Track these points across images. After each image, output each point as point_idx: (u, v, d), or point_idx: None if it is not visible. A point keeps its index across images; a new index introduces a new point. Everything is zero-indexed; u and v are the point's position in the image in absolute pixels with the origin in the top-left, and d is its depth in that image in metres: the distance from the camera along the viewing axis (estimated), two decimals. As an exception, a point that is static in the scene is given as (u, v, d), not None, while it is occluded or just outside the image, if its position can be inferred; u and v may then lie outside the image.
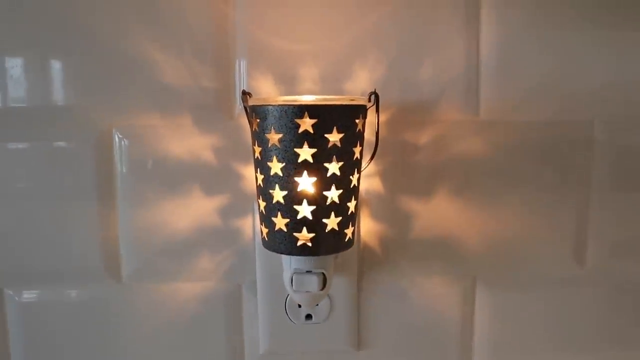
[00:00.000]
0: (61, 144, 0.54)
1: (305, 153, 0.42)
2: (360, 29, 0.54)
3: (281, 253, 0.45)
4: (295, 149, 0.42)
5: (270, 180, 0.44)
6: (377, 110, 0.48)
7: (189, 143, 0.54)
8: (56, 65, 0.53)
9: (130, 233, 0.56)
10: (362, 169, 0.49)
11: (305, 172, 0.43)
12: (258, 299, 0.57)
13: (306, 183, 0.43)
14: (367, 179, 0.56)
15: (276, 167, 0.43)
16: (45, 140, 0.54)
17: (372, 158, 0.50)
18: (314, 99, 0.44)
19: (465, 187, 0.57)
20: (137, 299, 0.57)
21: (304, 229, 0.44)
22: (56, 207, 0.55)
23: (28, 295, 0.57)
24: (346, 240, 0.46)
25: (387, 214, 0.57)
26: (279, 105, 0.42)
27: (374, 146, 0.50)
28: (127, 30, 0.53)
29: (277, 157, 0.43)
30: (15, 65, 0.53)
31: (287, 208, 0.44)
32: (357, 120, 0.44)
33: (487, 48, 0.55)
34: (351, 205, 0.46)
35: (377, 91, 0.48)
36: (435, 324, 0.59)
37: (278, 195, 0.44)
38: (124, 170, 0.55)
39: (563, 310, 0.60)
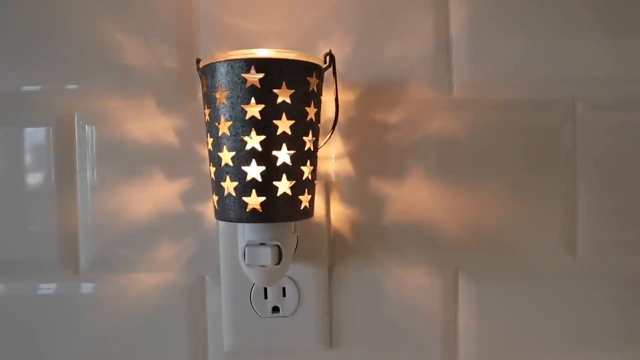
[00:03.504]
0: (20, 128, 0.53)
1: (253, 109, 0.40)
2: (324, 8, 0.53)
3: (231, 221, 0.42)
4: (242, 106, 0.40)
5: (218, 142, 0.42)
6: (334, 73, 0.46)
7: (150, 125, 0.53)
8: (17, 49, 0.53)
9: (89, 220, 0.53)
10: (324, 140, 0.47)
11: (253, 131, 0.40)
12: (222, 291, 0.53)
13: (254, 142, 0.41)
14: (336, 161, 0.53)
15: (224, 127, 0.41)
16: (3, 125, 0.53)
17: (334, 126, 0.48)
18: (266, 53, 0.42)
19: (441, 169, 0.54)
20: (94, 292, 0.53)
21: (253, 191, 0.41)
22: (14, 195, 0.53)
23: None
24: (302, 208, 0.43)
25: (359, 198, 0.53)
26: (226, 60, 0.41)
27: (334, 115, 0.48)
28: (90, 12, 0.52)
29: (224, 116, 0.41)
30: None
31: (236, 170, 0.41)
32: (309, 79, 0.42)
33: (457, 26, 0.54)
34: (306, 169, 0.43)
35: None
36: (414, 320, 0.54)
37: (226, 157, 0.41)
38: (84, 154, 0.53)
39: (554, 304, 0.55)
